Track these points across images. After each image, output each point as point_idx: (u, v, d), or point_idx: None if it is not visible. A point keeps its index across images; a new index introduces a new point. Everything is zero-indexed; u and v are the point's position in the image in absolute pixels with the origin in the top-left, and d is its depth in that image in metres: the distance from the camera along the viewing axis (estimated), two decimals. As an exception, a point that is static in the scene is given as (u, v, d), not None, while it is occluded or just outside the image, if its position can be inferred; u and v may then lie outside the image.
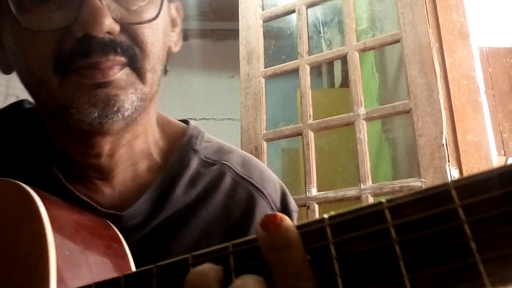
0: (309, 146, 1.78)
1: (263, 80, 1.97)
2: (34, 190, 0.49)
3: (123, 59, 0.53)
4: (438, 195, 0.27)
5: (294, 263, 0.30)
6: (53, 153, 0.60)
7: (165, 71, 0.62)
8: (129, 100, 0.53)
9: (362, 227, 0.28)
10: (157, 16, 0.55)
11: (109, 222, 0.56)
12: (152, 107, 0.62)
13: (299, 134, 1.85)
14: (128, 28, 0.54)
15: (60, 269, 0.43)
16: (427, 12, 1.71)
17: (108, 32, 0.52)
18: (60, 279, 0.42)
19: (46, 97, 0.54)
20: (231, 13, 3.08)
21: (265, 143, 1.89)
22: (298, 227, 0.31)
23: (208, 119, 4.48)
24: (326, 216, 0.30)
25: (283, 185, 0.70)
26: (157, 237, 0.60)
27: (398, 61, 2.17)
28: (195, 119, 4.54)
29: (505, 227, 0.25)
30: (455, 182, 0.27)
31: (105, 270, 0.47)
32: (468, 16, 1.69)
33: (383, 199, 0.29)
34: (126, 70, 0.54)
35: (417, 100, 1.64)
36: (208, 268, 0.32)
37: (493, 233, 0.25)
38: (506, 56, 1.78)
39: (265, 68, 1.99)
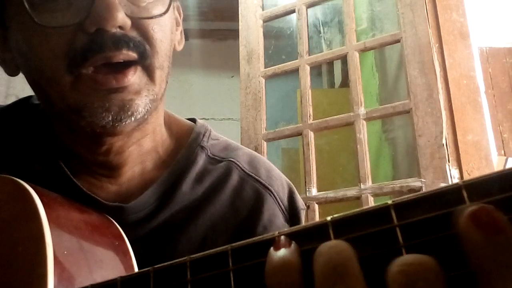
0: (309, 146, 1.78)
1: (263, 80, 1.97)
2: (32, 187, 0.48)
3: (134, 54, 0.53)
4: (447, 194, 0.25)
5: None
6: (60, 149, 0.60)
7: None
8: (142, 104, 0.53)
9: (366, 227, 0.27)
10: (166, 11, 0.56)
11: (111, 219, 0.56)
12: (161, 106, 0.62)
13: (299, 134, 1.85)
14: (139, 23, 0.54)
15: (58, 269, 0.43)
16: (427, 12, 1.71)
17: (120, 28, 0.52)
18: (58, 278, 0.42)
19: (56, 98, 0.54)
20: (231, 13, 3.08)
21: (265, 143, 1.88)
22: None
23: (208, 119, 4.48)
24: (329, 217, 0.29)
25: (290, 183, 0.70)
26: (163, 234, 0.60)
27: (398, 61, 2.17)
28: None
29: None
30: (466, 181, 0.25)
31: (105, 268, 0.47)
32: (468, 16, 1.69)
33: (389, 201, 0.27)
34: (139, 72, 0.53)
35: (417, 100, 1.64)
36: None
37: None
38: (506, 56, 1.78)
39: (265, 68, 1.99)
